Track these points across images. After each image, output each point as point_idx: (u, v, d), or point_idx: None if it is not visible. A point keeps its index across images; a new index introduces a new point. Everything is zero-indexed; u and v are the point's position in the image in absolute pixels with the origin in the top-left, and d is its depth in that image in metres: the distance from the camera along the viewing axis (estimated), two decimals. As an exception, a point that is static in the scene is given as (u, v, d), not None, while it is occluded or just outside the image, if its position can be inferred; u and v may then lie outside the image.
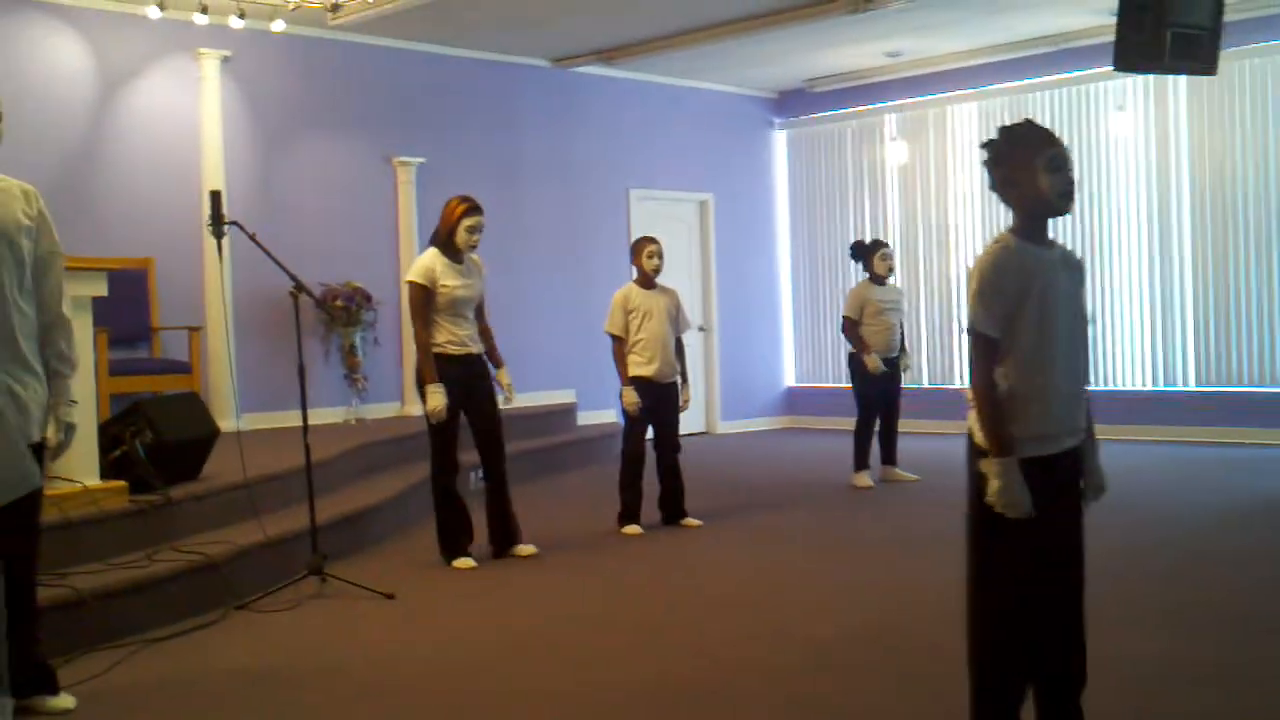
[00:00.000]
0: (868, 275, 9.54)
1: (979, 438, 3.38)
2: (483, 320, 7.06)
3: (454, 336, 6.82)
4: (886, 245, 9.63)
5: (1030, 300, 3.28)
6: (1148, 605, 5.57)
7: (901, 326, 9.58)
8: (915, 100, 13.16)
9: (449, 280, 6.80)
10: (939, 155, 13.12)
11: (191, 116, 9.95)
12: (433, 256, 6.83)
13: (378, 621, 5.73)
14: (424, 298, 6.75)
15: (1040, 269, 3.31)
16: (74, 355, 4.44)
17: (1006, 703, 3.41)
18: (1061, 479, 3.38)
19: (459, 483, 6.95)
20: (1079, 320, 3.38)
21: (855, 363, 9.43)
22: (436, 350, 6.76)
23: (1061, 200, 3.29)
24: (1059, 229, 3.46)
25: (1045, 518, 3.32)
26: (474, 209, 6.86)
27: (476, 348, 6.92)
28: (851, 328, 9.41)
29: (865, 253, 9.57)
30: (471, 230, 6.83)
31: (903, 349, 9.59)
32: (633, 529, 7.77)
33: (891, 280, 9.61)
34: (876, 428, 9.51)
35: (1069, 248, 3.52)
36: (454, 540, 6.91)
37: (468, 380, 6.86)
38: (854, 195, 13.85)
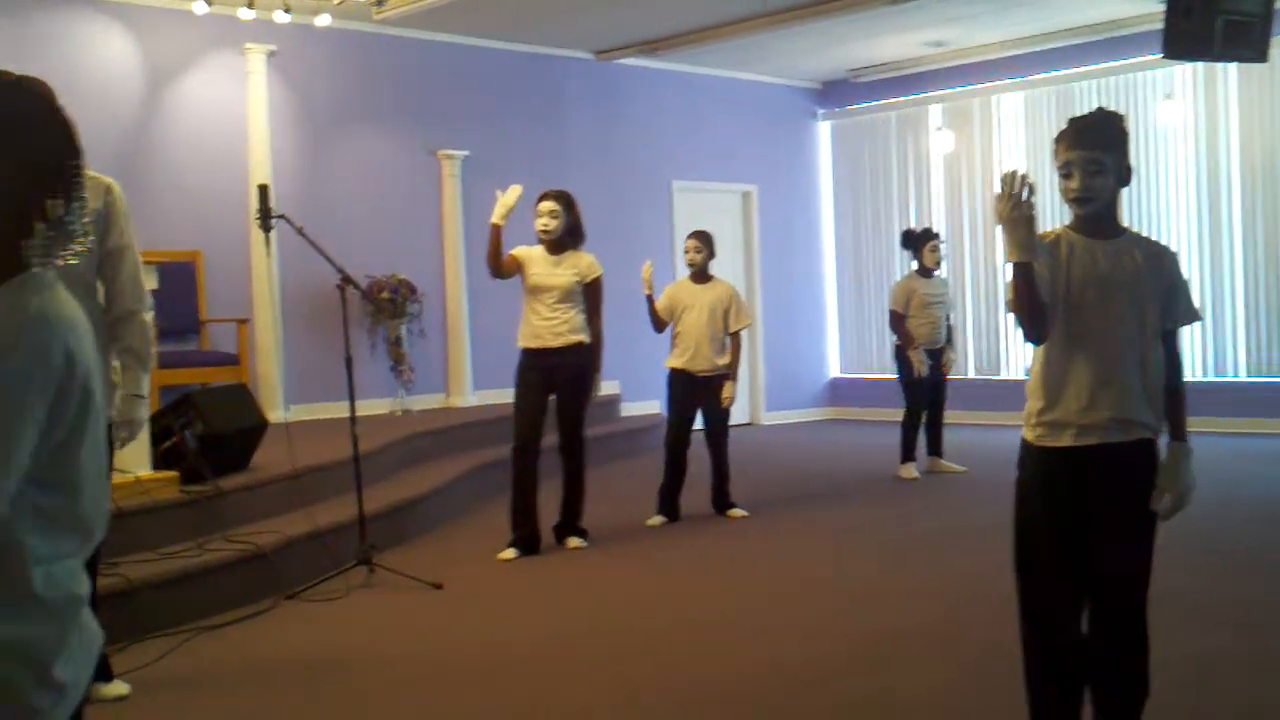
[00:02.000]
0: (916, 266, 9.50)
1: (1029, 434, 3.37)
2: (594, 323, 7.05)
3: (528, 326, 6.95)
4: (937, 236, 9.58)
5: (1061, 288, 3.28)
6: (1206, 600, 5.52)
7: (948, 319, 9.52)
8: (959, 90, 13.07)
9: (532, 266, 6.92)
10: (984, 145, 13.02)
11: (238, 111, 10.03)
12: (534, 246, 7.01)
13: (426, 611, 5.76)
14: (515, 273, 6.95)
15: (1080, 259, 3.29)
16: (145, 350, 4.38)
17: (1056, 704, 3.36)
18: (1098, 478, 3.29)
19: (525, 467, 6.95)
20: (1129, 311, 3.30)
21: (901, 355, 9.39)
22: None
23: (1072, 204, 3.33)
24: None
25: (1071, 517, 3.29)
26: (542, 196, 7.02)
27: (558, 340, 6.91)
28: (898, 321, 9.36)
29: (916, 242, 9.51)
30: (537, 215, 6.94)
31: (948, 341, 9.54)
32: (654, 520, 7.82)
33: (939, 272, 9.55)
34: (923, 419, 9.47)
35: (1153, 239, 3.47)
36: (512, 524, 6.95)
37: (541, 372, 6.92)
38: (898, 186, 13.78)
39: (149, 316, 4.43)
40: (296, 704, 4.54)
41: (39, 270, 1.80)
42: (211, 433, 6.43)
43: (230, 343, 9.35)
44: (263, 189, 6.45)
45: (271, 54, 10.13)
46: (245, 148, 10.01)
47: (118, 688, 4.47)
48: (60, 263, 1.83)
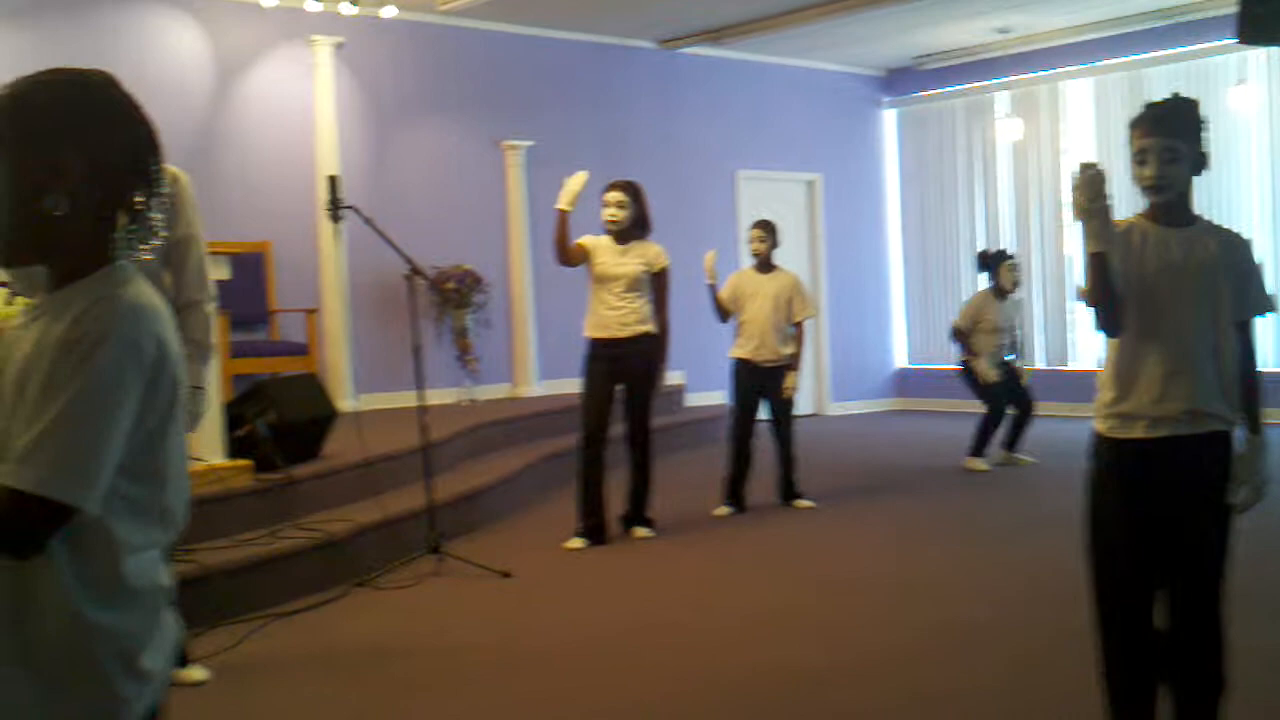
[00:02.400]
0: (992, 287, 9.34)
1: (1101, 426, 3.34)
2: (661, 313, 7.06)
3: (595, 316, 6.97)
4: (1012, 256, 9.48)
5: (1134, 277, 3.25)
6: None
7: (1011, 336, 9.37)
8: (1027, 76, 12.90)
9: (599, 255, 6.94)
10: (1052, 133, 12.87)
11: (305, 103, 10.12)
12: (601, 236, 7.04)
13: (494, 599, 5.81)
14: (581, 261, 6.97)
15: (1153, 248, 3.26)
16: (208, 341, 4.41)
17: (1131, 696, 3.33)
18: (1171, 470, 3.25)
19: (593, 458, 6.97)
20: (1201, 300, 3.26)
21: (970, 373, 9.29)
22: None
23: (1146, 192, 3.29)
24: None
25: (1144, 509, 3.25)
26: (609, 186, 7.04)
27: (625, 330, 6.92)
28: (960, 337, 9.26)
29: (992, 264, 9.39)
30: (604, 205, 6.97)
31: (1014, 350, 9.40)
32: (720, 510, 7.82)
33: (1015, 295, 9.40)
34: (1009, 416, 9.32)
35: (1226, 227, 3.42)
36: (579, 514, 6.98)
37: (608, 362, 6.94)
38: (965, 174, 13.64)
39: (211, 308, 4.47)
40: (368, 688, 4.60)
41: (123, 263, 1.83)
42: (283, 421, 6.51)
43: (299, 332, 9.46)
44: (332, 180, 6.54)
45: (338, 46, 10.22)
46: (313, 139, 10.10)
47: (196, 672, 4.55)
48: (144, 257, 1.86)
